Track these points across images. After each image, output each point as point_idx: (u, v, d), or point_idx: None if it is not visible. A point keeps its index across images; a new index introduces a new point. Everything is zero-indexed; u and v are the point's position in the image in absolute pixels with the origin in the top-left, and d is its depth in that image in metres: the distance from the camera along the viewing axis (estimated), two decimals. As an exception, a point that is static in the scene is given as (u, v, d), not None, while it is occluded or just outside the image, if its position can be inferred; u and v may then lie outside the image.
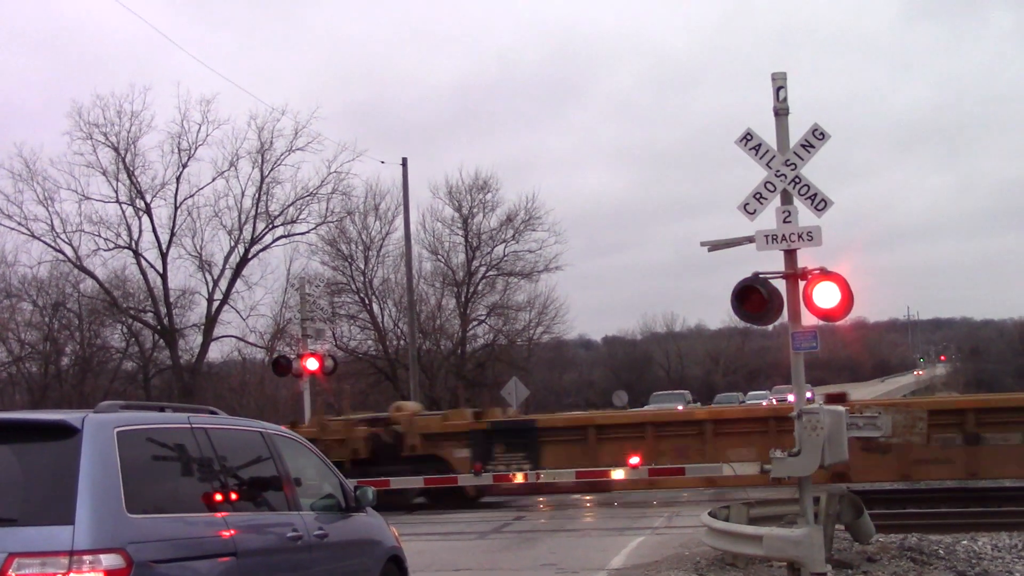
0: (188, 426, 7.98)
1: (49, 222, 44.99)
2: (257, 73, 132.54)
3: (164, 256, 46.84)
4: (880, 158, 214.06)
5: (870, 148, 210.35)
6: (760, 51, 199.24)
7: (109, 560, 6.50)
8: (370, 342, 53.94)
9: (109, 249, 46.26)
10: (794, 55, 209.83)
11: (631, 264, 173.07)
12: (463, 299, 54.21)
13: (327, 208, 49.17)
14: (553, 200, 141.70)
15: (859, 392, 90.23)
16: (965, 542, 15.41)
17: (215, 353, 50.95)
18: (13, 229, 44.80)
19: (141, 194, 46.16)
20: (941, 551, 14.84)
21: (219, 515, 7.75)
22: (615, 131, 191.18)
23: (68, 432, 6.91)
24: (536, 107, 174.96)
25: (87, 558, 6.43)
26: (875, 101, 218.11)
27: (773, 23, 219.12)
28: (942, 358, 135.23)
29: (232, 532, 7.74)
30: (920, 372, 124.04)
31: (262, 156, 47.26)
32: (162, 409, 8.20)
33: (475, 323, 55.16)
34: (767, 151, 13.69)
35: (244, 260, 47.84)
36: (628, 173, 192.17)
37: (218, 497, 7.87)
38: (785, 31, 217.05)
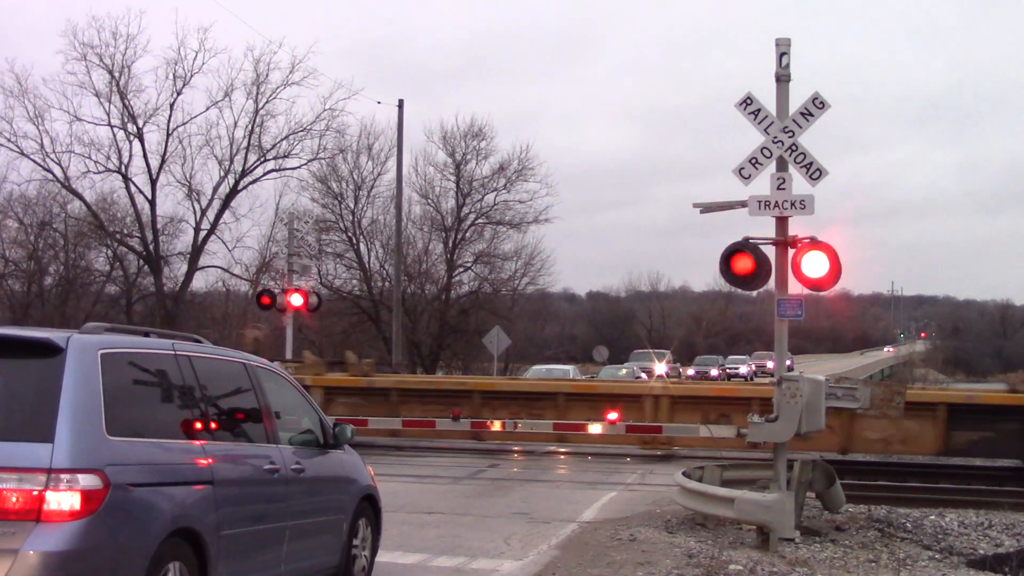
0: (172, 353, 7.99)
1: (39, 140, 44.71)
2: (260, 3, 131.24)
3: (153, 182, 46.66)
4: (890, 131, 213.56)
5: (882, 120, 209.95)
6: (781, 16, 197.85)
7: (86, 480, 6.53)
8: (355, 282, 53.89)
9: (99, 172, 46.07)
10: (815, 23, 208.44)
11: (623, 222, 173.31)
12: (451, 245, 54.11)
13: (320, 145, 48.97)
14: (554, 153, 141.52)
15: (839, 364, 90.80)
16: (933, 517, 15.59)
17: (199, 283, 50.93)
18: (3, 145, 44.49)
19: (133, 118, 45.88)
20: (909, 524, 15.02)
21: (198, 443, 7.78)
22: (625, 88, 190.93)
23: (52, 351, 6.90)
24: (548, 58, 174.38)
25: (65, 476, 6.46)
26: (893, 73, 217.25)
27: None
28: (922, 335, 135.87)
29: (210, 461, 7.77)
30: (891, 349, 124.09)
31: (257, 88, 46.98)
32: (147, 334, 8.20)
33: (461, 269, 55.11)
34: (766, 116, 13.69)
35: (234, 191, 47.67)
36: (632, 131, 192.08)
37: (198, 425, 7.89)
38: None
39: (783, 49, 13.74)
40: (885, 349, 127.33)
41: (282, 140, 47.93)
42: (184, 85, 45.90)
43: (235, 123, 47.24)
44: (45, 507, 6.40)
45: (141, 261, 48.46)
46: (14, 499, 6.40)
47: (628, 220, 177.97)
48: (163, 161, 46.55)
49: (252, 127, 47.25)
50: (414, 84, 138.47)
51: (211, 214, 47.61)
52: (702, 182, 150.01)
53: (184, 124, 46.64)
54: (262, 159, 48.04)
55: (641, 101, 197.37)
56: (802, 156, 13.54)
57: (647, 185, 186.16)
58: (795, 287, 13.69)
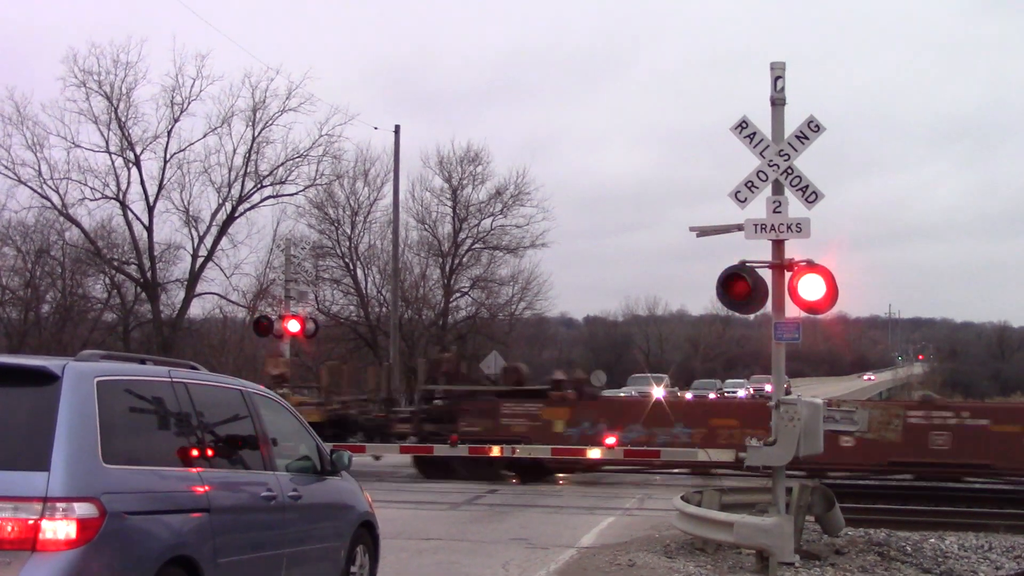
0: (168, 380, 7.96)
1: (37, 168, 44.78)
2: (267, 29, 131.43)
3: (151, 209, 46.73)
4: (908, 153, 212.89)
5: (902, 142, 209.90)
6: (805, 38, 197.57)
7: (83, 509, 6.49)
8: (352, 307, 53.92)
9: (96, 199, 46.14)
10: (840, 44, 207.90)
11: (626, 246, 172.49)
12: (447, 270, 54.18)
13: (317, 171, 49.12)
14: (569, 177, 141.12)
15: (837, 387, 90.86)
16: (933, 540, 15.52)
17: (196, 309, 50.92)
18: (0, 173, 44.55)
19: (131, 145, 45.97)
20: (908, 548, 14.95)
21: (194, 470, 7.74)
22: (643, 112, 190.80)
23: (48, 379, 6.88)
24: (566, 81, 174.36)
25: (60, 505, 6.42)
26: (921, 94, 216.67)
27: (832, 7, 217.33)
28: (920, 357, 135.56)
29: (206, 488, 7.74)
30: (871, 377, 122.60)
31: (255, 115, 47.12)
32: (143, 361, 8.19)
33: (458, 295, 55.18)
34: (761, 140, 13.73)
35: (231, 218, 47.75)
36: (643, 156, 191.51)
37: (194, 452, 7.86)
38: (842, 17, 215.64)
39: (778, 73, 13.80)
40: (864, 376, 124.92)
41: (279, 166, 48.12)
42: (182, 112, 46.10)
43: (233, 150, 47.44)
44: (41, 536, 6.36)
45: (138, 288, 48.43)
46: (9, 528, 6.36)
47: (631, 244, 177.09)
48: (161, 188, 46.71)
49: (250, 153, 47.44)
50: (429, 109, 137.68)
51: (208, 241, 47.75)
52: (709, 206, 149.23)
53: (182, 151, 46.85)
54: (259, 185, 48.20)
55: (659, 124, 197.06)
56: (798, 179, 13.56)
57: (656, 209, 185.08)
58: (792, 310, 13.69)
